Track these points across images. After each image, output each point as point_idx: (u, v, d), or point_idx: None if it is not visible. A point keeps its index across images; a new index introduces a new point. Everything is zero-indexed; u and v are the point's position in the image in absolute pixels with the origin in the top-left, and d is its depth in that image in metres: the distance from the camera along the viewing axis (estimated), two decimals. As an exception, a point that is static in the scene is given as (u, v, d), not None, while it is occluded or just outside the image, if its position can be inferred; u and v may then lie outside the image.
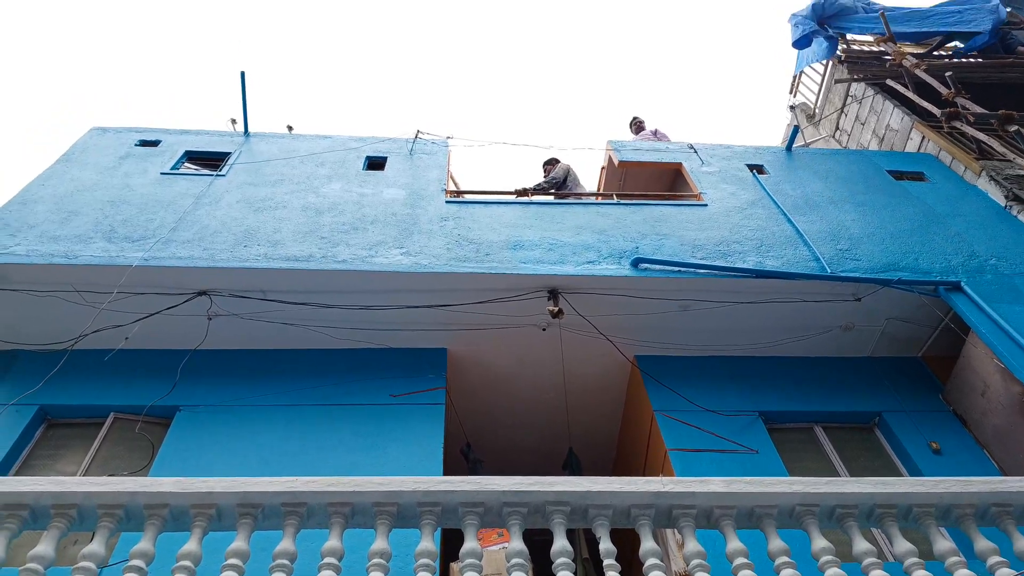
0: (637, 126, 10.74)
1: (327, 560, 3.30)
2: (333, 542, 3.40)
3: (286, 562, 3.28)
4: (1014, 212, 7.30)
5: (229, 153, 7.96)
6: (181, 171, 7.57)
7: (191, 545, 3.33)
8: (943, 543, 3.70)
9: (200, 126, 8.70)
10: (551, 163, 9.28)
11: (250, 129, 8.54)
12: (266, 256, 6.06)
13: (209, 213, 6.70)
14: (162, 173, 7.40)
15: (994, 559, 3.56)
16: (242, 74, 8.37)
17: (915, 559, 3.59)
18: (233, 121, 8.71)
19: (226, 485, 3.51)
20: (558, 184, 8.70)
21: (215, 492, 3.50)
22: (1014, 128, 7.54)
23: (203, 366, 6.10)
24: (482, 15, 36.07)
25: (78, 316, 5.88)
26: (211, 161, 7.91)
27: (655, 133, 10.43)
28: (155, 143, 8.06)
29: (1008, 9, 11.21)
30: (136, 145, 7.98)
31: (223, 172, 7.50)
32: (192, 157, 7.98)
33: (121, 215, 6.57)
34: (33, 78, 30.12)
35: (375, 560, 3.32)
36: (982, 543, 3.69)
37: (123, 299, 5.84)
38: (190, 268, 5.89)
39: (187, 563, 3.23)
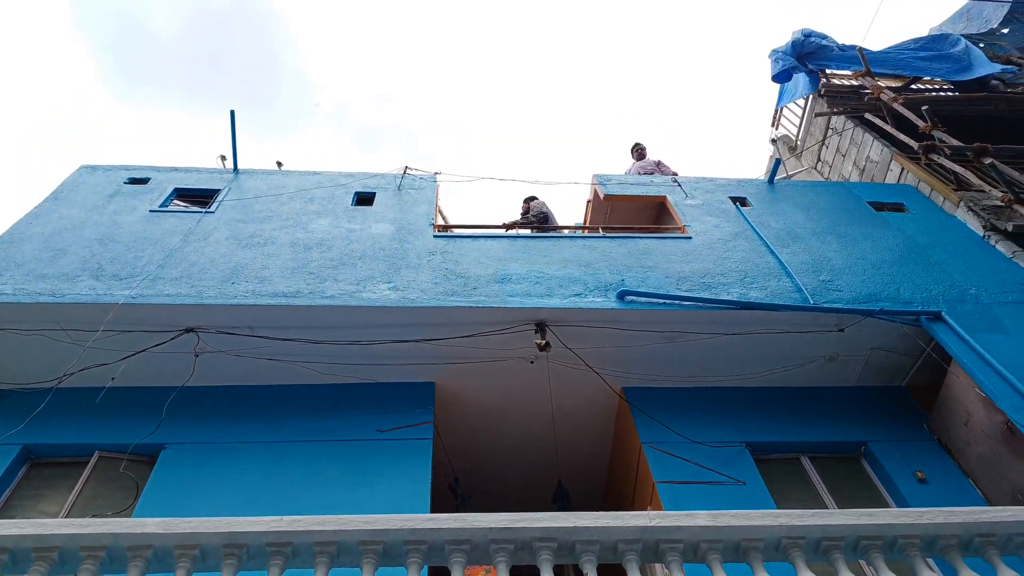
0: (639, 152, 10.87)
1: (313, 600, 3.28)
2: (318, 582, 3.38)
3: (271, 603, 3.26)
4: (992, 242, 7.44)
5: (218, 190, 8.02)
6: (170, 208, 7.62)
7: (175, 587, 3.31)
8: (928, 574, 3.71)
9: (190, 164, 8.78)
10: (529, 200, 9.48)
11: (239, 166, 8.62)
12: (254, 292, 6.09)
13: (197, 250, 6.73)
14: (151, 211, 7.44)
15: (978, 590, 3.58)
16: (232, 112, 8.47)
17: (900, 591, 3.60)
18: (223, 158, 8.80)
19: (211, 525, 3.50)
20: (544, 218, 8.83)
21: (199, 532, 3.48)
22: (989, 160, 7.71)
23: (189, 403, 6.08)
24: (470, 52, 36.64)
25: (63, 354, 5.87)
26: (200, 198, 7.97)
27: (659, 164, 10.56)
28: (144, 180, 8.12)
29: (982, 44, 11.55)
30: (125, 183, 8.03)
31: (212, 209, 7.55)
32: (181, 194, 8.04)
33: (109, 253, 6.59)
34: (24, 117, 30.26)
35: (361, 600, 3.31)
36: (966, 573, 3.71)
37: (109, 337, 5.83)
38: (177, 305, 5.91)
39: (171, 606, 3.20)
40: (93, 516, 5.21)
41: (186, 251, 6.70)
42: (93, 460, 5.67)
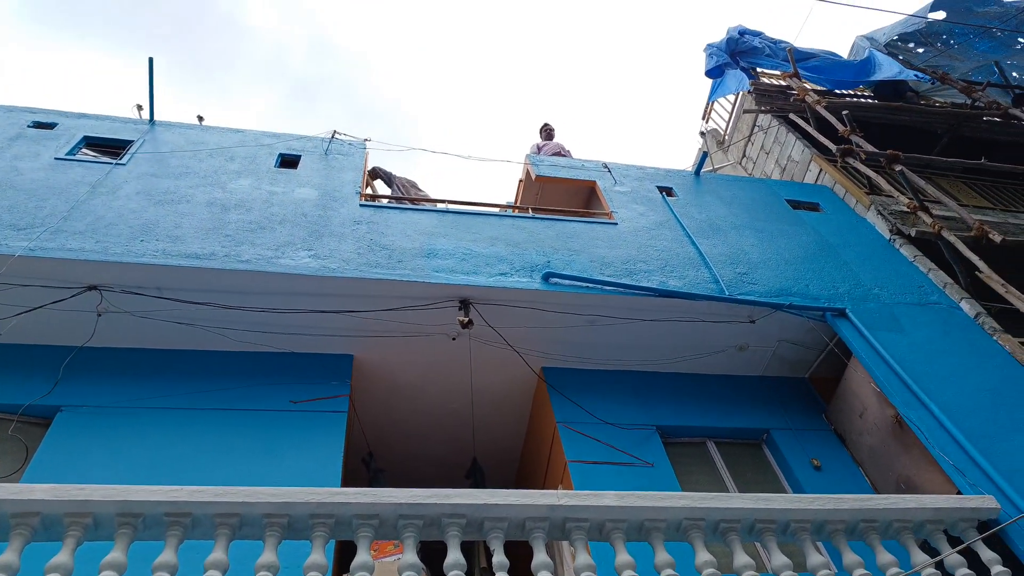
0: (547, 133, 10.91)
1: (210, 573, 3.19)
2: (218, 554, 3.29)
3: (166, 574, 3.15)
4: (897, 245, 7.85)
5: (132, 141, 7.59)
6: (78, 157, 7.15)
7: (62, 556, 3.16)
8: (816, 557, 3.93)
9: (106, 112, 8.26)
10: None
11: (156, 118, 8.18)
12: (164, 252, 5.81)
13: (105, 203, 6.36)
14: (56, 158, 6.97)
15: (859, 572, 3.82)
16: (150, 60, 8.02)
17: (790, 572, 3.80)
18: (139, 108, 8.33)
19: (105, 493, 3.35)
20: (389, 180, 8.83)
21: (92, 500, 3.33)
22: (899, 168, 8.11)
23: (90, 365, 5.77)
24: (406, 26, 35.83)
25: (-50, 306, 5.46)
26: (112, 149, 7.52)
27: (562, 150, 10.62)
28: (51, 126, 7.60)
29: (901, 57, 12.09)
30: (29, 126, 7.49)
31: (124, 161, 7.14)
32: (91, 143, 7.56)
33: (7, 200, 6.15)
34: (-84, 43, 27.80)
35: (261, 573, 3.24)
36: (850, 556, 3.95)
37: (4, 290, 5.46)
38: (80, 261, 5.56)
39: (56, 576, 3.06)
40: (-24, 480, 4.89)
41: (93, 204, 6.32)
42: (-21, 420, 5.32)
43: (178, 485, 3.49)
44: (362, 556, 3.43)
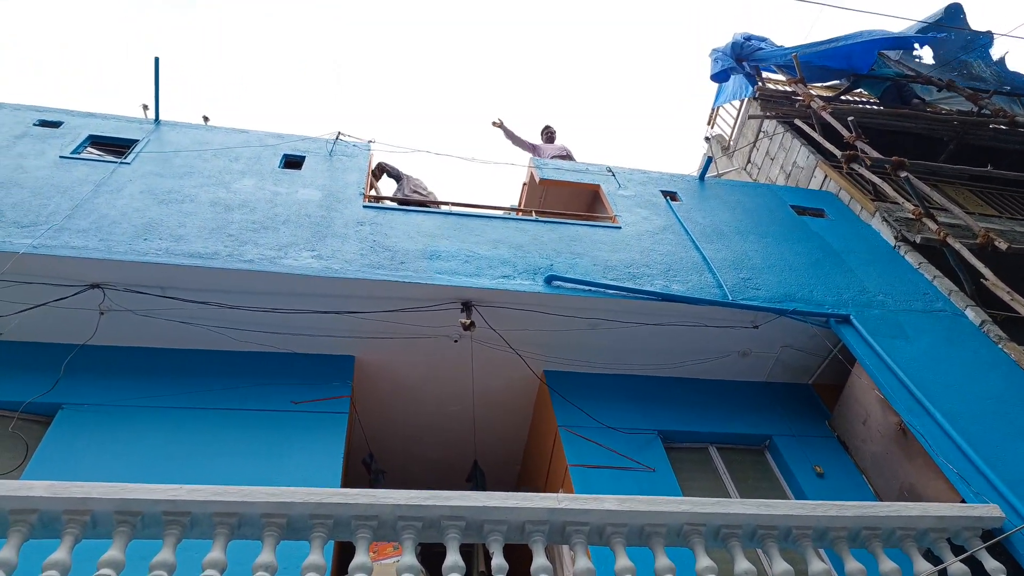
0: (548, 135, 10.87)
1: (208, 572, 3.18)
2: (216, 554, 3.28)
3: (163, 573, 3.14)
4: (902, 252, 7.82)
5: (137, 140, 7.61)
6: (83, 156, 7.17)
7: (60, 554, 3.15)
8: (818, 564, 3.90)
9: (108, 110, 8.28)
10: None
11: (162, 117, 8.20)
12: (167, 251, 5.81)
13: (109, 202, 6.37)
14: (61, 156, 6.99)
15: (861, 579, 3.78)
16: (156, 59, 8.03)
17: (790, 579, 3.77)
18: (145, 107, 8.34)
19: (104, 491, 3.34)
20: (397, 177, 8.77)
21: (91, 498, 3.33)
22: (904, 174, 8.08)
23: (91, 363, 5.77)
24: (409, 26, 35.91)
25: (-47, 303, 5.47)
26: (116, 148, 7.53)
27: (565, 151, 10.58)
28: (56, 124, 7.62)
29: (898, 57, 12.04)
30: (35, 125, 7.51)
31: (128, 160, 7.16)
32: (96, 142, 7.58)
33: (11, 198, 6.16)
34: (-75, 42, 27.95)
35: (260, 573, 3.23)
36: (852, 564, 3.91)
37: (7, 288, 5.47)
38: (83, 259, 5.56)
39: (54, 573, 3.05)
40: (-24, 476, 4.89)
41: (97, 202, 6.33)
42: (-20, 417, 5.32)
43: (178, 484, 3.47)
44: (360, 557, 3.41)
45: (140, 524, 3.38)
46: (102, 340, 5.83)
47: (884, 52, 11.60)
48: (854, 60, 10.92)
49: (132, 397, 5.61)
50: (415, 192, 8.56)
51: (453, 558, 3.49)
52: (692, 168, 13.83)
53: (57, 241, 5.69)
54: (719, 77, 11.63)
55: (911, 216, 8.06)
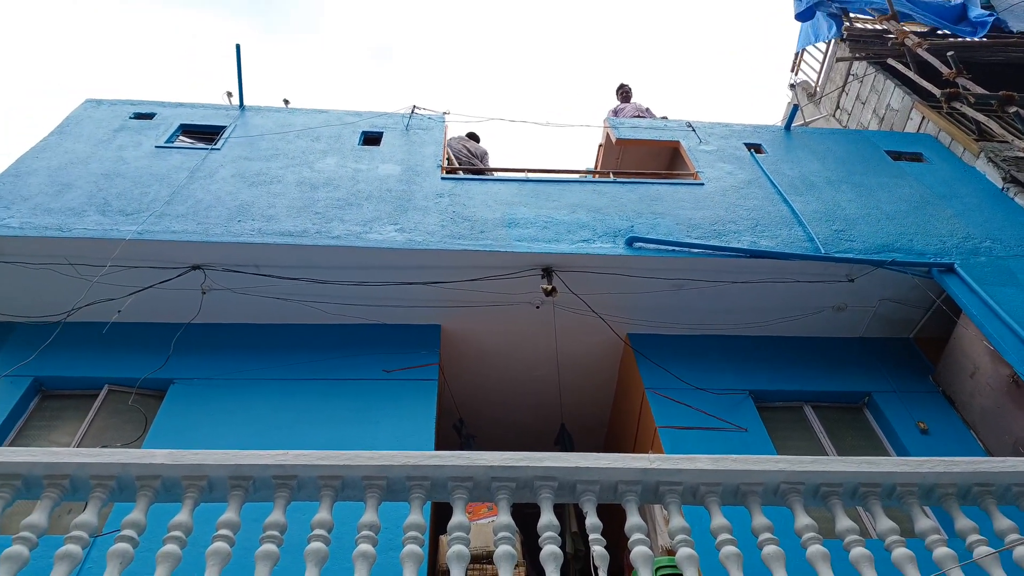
0: (624, 94, 10.58)
1: (317, 532, 3.34)
2: (323, 514, 3.44)
3: (276, 533, 3.32)
4: (1011, 194, 7.29)
5: (224, 127, 7.92)
6: (176, 144, 7.53)
7: (182, 516, 3.38)
8: (925, 521, 3.74)
9: (195, 99, 8.65)
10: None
11: (245, 103, 8.49)
12: (260, 231, 6.06)
13: (203, 187, 6.68)
14: (156, 146, 7.37)
15: (973, 537, 3.61)
16: (237, 47, 8.30)
17: (896, 537, 3.63)
18: (229, 94, 8.66)
19: (218, 458, 3.55)
20: (468, 158, 8.62)
21: (206, 464, 3.53)
22: (1014, 109, 7.50)
23: (197, 340, 6.13)
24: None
25: (72, 289, 5.90)
26: (206, 135, 7.88)
27: (647, 110, 10.30)
28: (150, 116, 8.02)
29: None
30: (131, 118, 7.93)
31: (218, 146, 7.47)
32: (187, 130, 7.94)
33: (115, 188, 6.55)
34: (27, 50, 29.81)
35: (364, 532, 3.37)
36: (963, 522, 3.74)
37: (117, 272, 5.85)
38: (184, 243, 5.89)
39: (178, 533, 3.27)
40: (103, 447, 5.31)
41: (192, 188, 6.65)
42: (103, 393, 5.75)
43: (284, 450, 3.66)
44: (458, 517, 3.50)
45: (252, 488, 3.57)
46: (205, 318, 6.18)
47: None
48: (964, 26, 10.08)
49: (236, 370, 5.94)
50: (464, 149, 8.50)
51: (548, 517, 3.53)
52: (776, 119, 13.26)
53: (159, 227, 6.02)
54: (804, 16, 11.01)
55: (1021, 155, 7.48)
